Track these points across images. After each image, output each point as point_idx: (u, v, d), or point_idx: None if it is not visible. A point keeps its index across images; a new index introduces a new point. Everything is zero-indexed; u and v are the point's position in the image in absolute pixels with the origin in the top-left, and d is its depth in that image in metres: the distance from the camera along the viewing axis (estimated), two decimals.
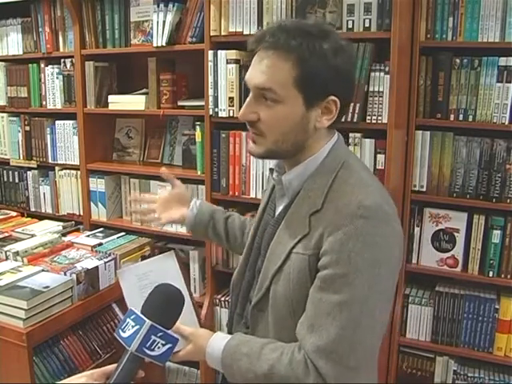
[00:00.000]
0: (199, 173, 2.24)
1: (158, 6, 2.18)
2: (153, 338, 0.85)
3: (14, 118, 2.75)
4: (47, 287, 1.79)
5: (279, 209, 1.14)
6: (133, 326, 0.85)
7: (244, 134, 2.09)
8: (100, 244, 2.20)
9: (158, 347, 0.86)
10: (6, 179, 2.84)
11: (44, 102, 2.61)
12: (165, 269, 1.32)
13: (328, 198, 1.03)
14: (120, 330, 0.87)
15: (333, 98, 1.02)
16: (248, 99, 1.06)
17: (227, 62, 2.04)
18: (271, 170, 1.18)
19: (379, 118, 1.83)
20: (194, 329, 1.19)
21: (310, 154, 1.09)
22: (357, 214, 0.96)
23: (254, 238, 1.20)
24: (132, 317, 0.87)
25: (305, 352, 0.98)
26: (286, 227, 1.08)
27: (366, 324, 0.96)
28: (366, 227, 0.96)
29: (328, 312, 0.96)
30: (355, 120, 1.83)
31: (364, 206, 0.97)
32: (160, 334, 0.86)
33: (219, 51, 2.05)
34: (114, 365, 0.89)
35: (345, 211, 0.98)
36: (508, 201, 1.87)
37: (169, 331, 0.87)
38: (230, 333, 1.21)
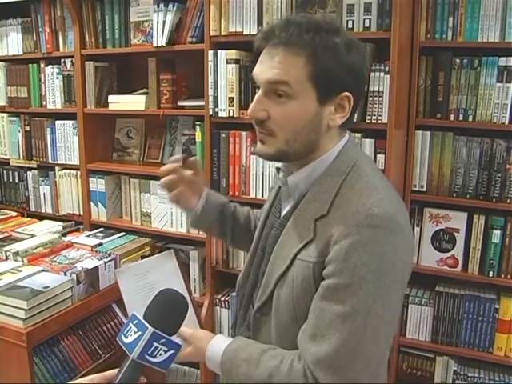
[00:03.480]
0: None
1: (158, 6, 2.18)
2: (155, 344, 0.84)
3: (14, 118, 2.75)
4: (47, 287, 1.79)
5: (285, 210, 1.10)
6: (135, 332, 0.84)
7: (244, 133, 2.09)
8: (100, 244, 2.21)
9: (161, 354, 0.84)
10: (6, 179, 2.84)
11: (44, 102, 2.61)
12: (164, 268, 1.30)
13: (335, 203, 0.98)
14: (122, 335, 0.86)
15: (346, 93, 0.98)
16: (257, 96, 1.00)
17: (227, 62, 2.03)
18: (278, 168, 1.14)
19: (379, 117, 1.83)
20: (194, 330, 1.16)
21: (318, 155, 1.04)
22: (364, 223, 0.92)
23: (259, 240, 1.17)
24: (134, 322, 0.86)
25: (304, 362, 0.95)
26: (290, 230, 1.04)
27: (369, 336, 0.92)
28: (373, 237, 0.92)
29: (330, 322, 0.93)
30: (355, 120, 1.82)
31: (372, 215, 0.93)
32: (162, 340, 0.84)
33: (219, 51, 2.05)
34: (115, 370, 0.88)
35: (352, 219, 0.94)
36: (508, 201, 1.87)
37: (171, 337, 0.87)
38: (234, 334, 1.20)
